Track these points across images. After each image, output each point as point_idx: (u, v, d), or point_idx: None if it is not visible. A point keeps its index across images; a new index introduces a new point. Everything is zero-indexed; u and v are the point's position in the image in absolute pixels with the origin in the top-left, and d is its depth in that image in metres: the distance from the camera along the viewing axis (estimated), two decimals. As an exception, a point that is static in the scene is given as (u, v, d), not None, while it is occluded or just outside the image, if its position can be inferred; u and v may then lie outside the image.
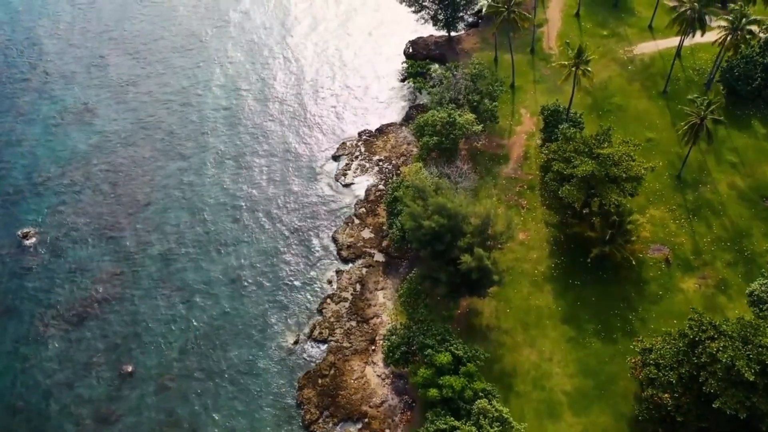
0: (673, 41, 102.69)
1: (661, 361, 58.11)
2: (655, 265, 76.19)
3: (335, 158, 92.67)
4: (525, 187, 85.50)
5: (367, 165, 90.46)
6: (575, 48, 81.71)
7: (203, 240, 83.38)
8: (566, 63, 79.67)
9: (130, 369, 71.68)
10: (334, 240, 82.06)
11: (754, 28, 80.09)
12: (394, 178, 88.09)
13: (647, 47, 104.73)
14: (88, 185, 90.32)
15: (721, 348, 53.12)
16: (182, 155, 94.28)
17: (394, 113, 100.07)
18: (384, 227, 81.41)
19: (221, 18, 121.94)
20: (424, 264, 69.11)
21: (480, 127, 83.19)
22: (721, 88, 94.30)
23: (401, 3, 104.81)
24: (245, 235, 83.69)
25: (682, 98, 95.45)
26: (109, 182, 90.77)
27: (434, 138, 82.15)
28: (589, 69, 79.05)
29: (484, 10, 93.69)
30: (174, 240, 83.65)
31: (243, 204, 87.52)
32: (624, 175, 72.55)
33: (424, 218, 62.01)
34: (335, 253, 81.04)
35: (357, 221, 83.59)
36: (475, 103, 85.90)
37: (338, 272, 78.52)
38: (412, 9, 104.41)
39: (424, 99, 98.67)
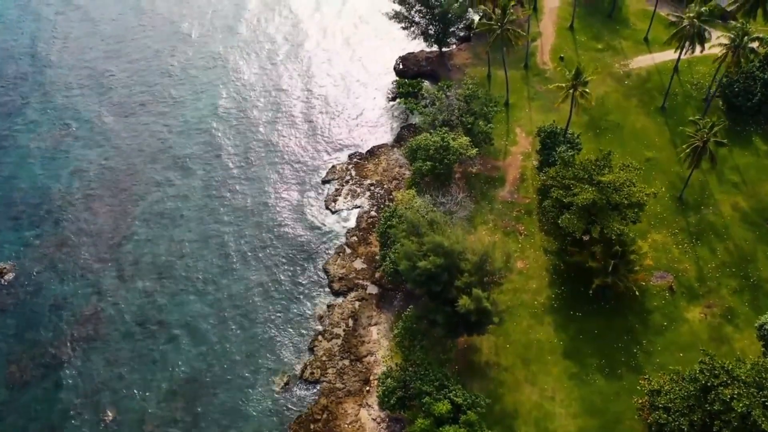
0: (670, 54, 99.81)
1: (671, 405, 55.24)
2: (659, 293, 73.42)
3: (325, 183, 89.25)
4: (522, 211, 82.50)
5: (358, 190, 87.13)
6: (572, 69, 78.73)
7: (186, 274, 79.73)
8: (563, 85, 76.65)
9: (111, 416, 68.02)
10: (325, 271, 78.71)
11: (756, 45, 77.36)
12: (387, 203, 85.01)
13: (643, 61, 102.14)
14: (67, 217, 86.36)
15: (735, 395, 50.32)
16: (164, 183, 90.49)
17: (385, 133, 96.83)
18: (377, 257, 78.15)
19: (204, 42, 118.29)
20: (419, 301, 65.90)
21: (475, 152, 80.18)
22: (720, 103, 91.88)
23: (391, 19, 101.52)
24: (231, 268, 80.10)
25: (680, 114, 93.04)
26: (88, 213, 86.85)
27: (427, 163, 79.04)
28: (587, 90, 76.10)
29: (475, 25, 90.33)
30: (156, 274, 79.94)
31: (228, 235, 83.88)
32: (626, 202, 69.75)
33: (419, 257, 58.83)
34: (326, 285, 77.66)
35: (348, 251, 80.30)
36: (468, 125, 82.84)
37: (330, 306, 75.19)
38: (402, 25, 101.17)
39: (416, 118, 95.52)
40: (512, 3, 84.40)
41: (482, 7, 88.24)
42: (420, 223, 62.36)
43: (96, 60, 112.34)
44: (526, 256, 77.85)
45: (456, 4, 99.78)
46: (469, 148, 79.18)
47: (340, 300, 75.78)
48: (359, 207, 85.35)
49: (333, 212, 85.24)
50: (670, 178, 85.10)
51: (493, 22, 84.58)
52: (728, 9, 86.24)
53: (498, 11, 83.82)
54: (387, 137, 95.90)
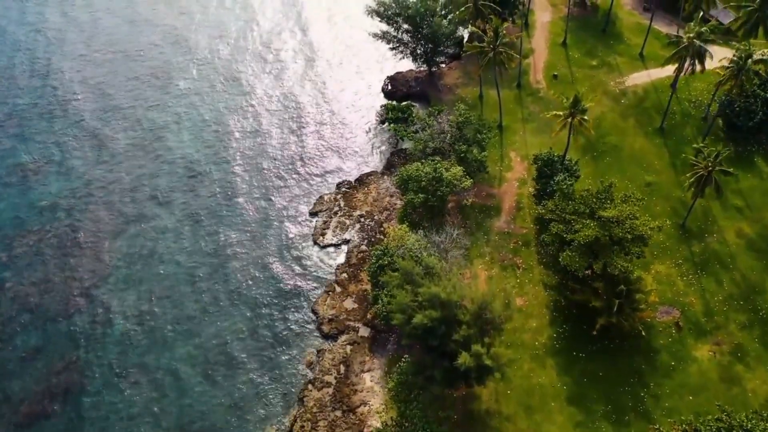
0: (666, 70, 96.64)
1: (686, 465, 51.84)
2: (665, 330, 70.02)
3: (313, 215, 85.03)
4: (519, 243, 78.85)
5: (348, 222, 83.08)
6: (569, 93, 75.16)
7: (166, 317, 75.21)
8: (561, 113, 73.08)
9: (88, 478, 63.58)
10: (314, 312, 74.56)
11: (760, 68, 74.15)
12: (377, 236, 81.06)
13: (639, 78, 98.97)
14: (38, 258, 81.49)
15: (756, 459, 46.94)
16: (143, 218, 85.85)
17: (375, 160, 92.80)
18: (368, 295, 74.16)
19: (185, 63, 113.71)
20: (415, 347, 61.96)
21: (469, 183, 76.42)
22: (720, 122, 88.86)
23: (377, 39, 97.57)
24: (214, 309, 75.71)
25: (679, 134, 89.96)
26: (61, 252, 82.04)
27: (420, 195, 75.26)
28: (586, 118, 72.57)
29: (465, 47, 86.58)
30: (134, 319, 75.37)
31: (210, 273, 79.41)
32: (629, 236, 66.31)
33: (414, 309, 54.93)
34: (315, 327, 73.51)
35: (338, 289, 76.23)
36: (462, 154, 79.02)
37: (320, 351, 71.06)
38: (390, 46, 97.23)
39: (406, 143, 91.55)
40: (505, 25, 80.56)
41: (473, 28, 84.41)
42: (414, 270, 58.41)
43: (70, 87, 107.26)
44: (525, 292, 74.19)
45: (445, 22, 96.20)
46: (463, 179, 75.41)
47: (330, 344, 71.63)
48: (349, 241, 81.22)
49: (321, 247, 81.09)
50: (672, 203, 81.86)
51: (485, 44, 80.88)
52: (729, 26, 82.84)
53: (490, 33, 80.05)
54: (376, 164, 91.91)
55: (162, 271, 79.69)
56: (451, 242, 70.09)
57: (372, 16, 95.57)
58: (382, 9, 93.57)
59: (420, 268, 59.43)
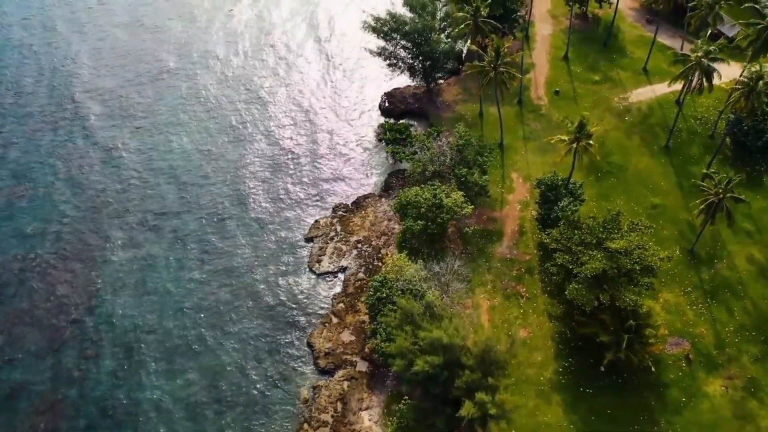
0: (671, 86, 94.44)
1: None
2: (675, 364, 67.35)
3: (308, 240, 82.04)
4: (523, 270, 76.05)
5: (344, 248, 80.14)
6: (572, 116, 72.33)
7: (155, 352, 72.15)
8: (565, 139, 70.28)
9: None
10: (310, 345, 71.61)
11: (772, 89, 71.48)
12: (375, 262, 78.19)
13: (644, 93, 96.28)
14: (23, 287, 78.36)
15: None
16: (131, 244, 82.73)
17: (372, 181, 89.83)
18: (366, 327, 71.28)
19: (177, 86, 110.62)
20: (415, 392, 59.08)
21: (470, 209, 73.54)
22: (728, 140, 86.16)
23: (374, 56, 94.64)
24: (204, 343, 72.65)
25: (685, 153, 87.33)
26: (47, 282, 78.90)
27: (419, 222, 72.38)
28: (591, 143, 69.79)
29: (465, 67, 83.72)
30: (123, 352, 72.36)
31: (201, 304, 76.24)
32: (638, 267, 63.61)
33: (414, 353, 52.10)
34: (312, 362, 70.57)
35: (335, 320, 73.31)
36: (462, 178, 76.17)
37: (315, 388, 68.11)
38: (387, 62, 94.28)
39: (404, 163, 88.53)
40: (507, 44, 77.73)
41: (473, 48, 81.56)
42: (414, 309, 55.58)
43: (56, 107, 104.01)
44: (529, 323, 71.41)
45: (443, 36, 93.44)
46: (464, 206, 72.56)
47: (326, 380, 68.71)
48: (346, 268, 78.31)
49: (317, 275, 78.10)
50: (680, 227, 79.19)
51: (485, 64, 78.04)
52: (738, 44, 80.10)
53: (491, 52, 77.22)
54: (374, 186, 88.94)
55: (151, 302, 76.67)
56: (452, 274, 67.18)
57: (368, 32, 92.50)
58: (378, 25, 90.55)
59: (420, 306, 56.57)
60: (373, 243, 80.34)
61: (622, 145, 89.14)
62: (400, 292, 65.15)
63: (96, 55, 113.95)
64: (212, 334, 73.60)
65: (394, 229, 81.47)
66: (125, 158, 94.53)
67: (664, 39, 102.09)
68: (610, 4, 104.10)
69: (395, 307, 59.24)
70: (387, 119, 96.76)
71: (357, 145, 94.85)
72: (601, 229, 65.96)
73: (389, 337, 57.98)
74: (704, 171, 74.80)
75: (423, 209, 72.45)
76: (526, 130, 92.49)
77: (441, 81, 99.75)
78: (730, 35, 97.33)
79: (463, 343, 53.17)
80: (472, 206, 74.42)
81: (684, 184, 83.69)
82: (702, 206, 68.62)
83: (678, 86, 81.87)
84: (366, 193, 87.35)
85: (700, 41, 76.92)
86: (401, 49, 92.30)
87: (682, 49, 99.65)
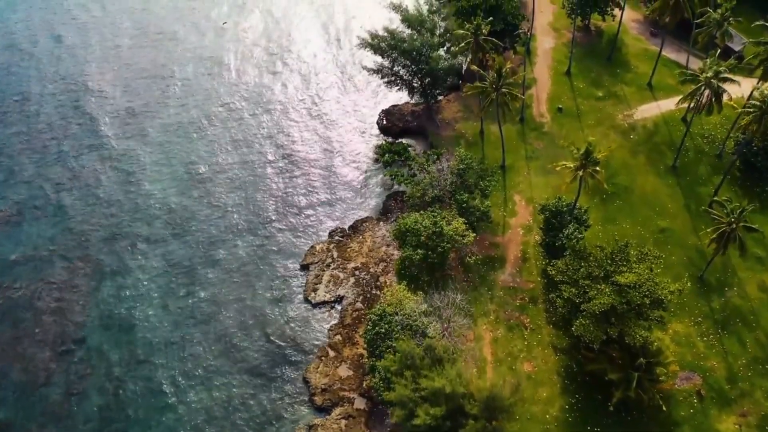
0: (676, 101, 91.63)
1: None
2: (686, 400, 64.67)
3: (304, 268, 79.16)
4: (526, 299, 73.33)
5: (341, 276, 77.31)
6: (580, 146, 69.34)
7: (145, 388, 69.15)
8: (571, 165, 67.53)
9: None
10: (306, 381, 68.74)
11: (784, 112, 68.80)
12: (374, 291, 75.41)
13: (649, 110, 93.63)
14: (6, 319, 75.37)
15: None
16: (120, 271, 79.80)
17: (369, 204, 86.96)
18: (364, 361, 68.51)
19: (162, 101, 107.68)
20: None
21: (472, 237, 70.78)
22: (736, 160, 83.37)
23: (371, 74, 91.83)
24: (194, 380, 69.62)
25: (693, 173, 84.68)
26: (32, 313, 75.89)
27: (419, 251, 69.59)
28: (598, 169, 67.06)
29: (466, 84, 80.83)
30: (111, 388, 69.45)
31: (191, 337, 73.14)
32: (648, 301, 60.86)
33: (416, 401, 49.34)
34: (307, 399, 67.71)
35: (332, 353, 70.50)
36: (463, 204, 73.38)
37: (311, 427, 65.18)
38: (385, 80, 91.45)
39: (403, 186, 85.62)
40: (509, 64, 75.00)
41: (474, 67, 78.77)
42: (414, 352, 52.79)
43: (35, 126, 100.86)
44: (534, 356, 68.67)
45: (442, 52, 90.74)
46: (466, 235, 69.78)
47: (323, 418, 65.82)
48: (343, 297, 75.47)
49: (313, 305, 75.22)
50: (688, 252, 76.52)
51: (486, 85, 75.27)
52: (749, 63, 77.33)
53: (492, 73, 74.46)
54: (371, 209, 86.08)
55: (140, 333, 73.76)
56: (453, 307, 64.42)
57: (366, 50, 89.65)
58: (376, 42, 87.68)
59: (420, 349, 53.79)
60: (371, 270, 77.55)
61: (627, 164, 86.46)
62: (399, 327, 62.37)
63: (82, 76, 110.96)
64: (203, 368, 70.69)
65: (392, 255, 78.69)
66: (113, 181, 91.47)
67: (669, 53, 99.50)
68: (614, 17, 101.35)
69: (394, 350, 56.36)
70: (385, 138, 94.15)
71: (354, 166, 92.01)
72: (608, 261, 63.22)
73: (388, 382, 55.18)
74: (715, 198, 71.92)
75: (423, 237, 69.69)
76: (529, 149, 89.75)
77: (440, 97, 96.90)
78: (737, 49, 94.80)
79: (467, 390, 50.38)
80: (474, 234, 71.60)
81: (692, 206, 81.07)
82: (714, 235, 65.87)
83: (685, 104, 79.27)
84: (364, 216, 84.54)
85: (709, 60, 74.20)
86: (400, 67, 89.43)
87: (687, 63, 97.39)
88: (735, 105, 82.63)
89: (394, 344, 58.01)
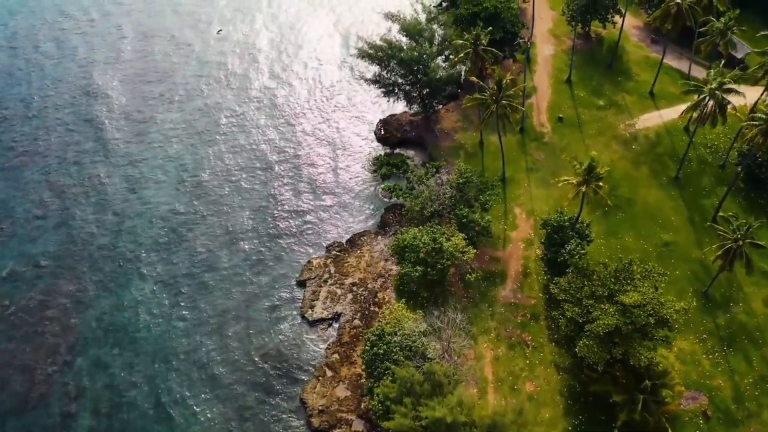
0: (678, 110, 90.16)
1: None
2: (692, 421, 63.25)
3: (300, 284, 77.56)
4: (528, 316, 71.85)
5: (339, 292, 75.77)
6: (583, 162, 67.42)
7: (138, 411, 67.58)
8: (573, 181, 66.04)
9: None
10: (303, 402, 67.18)
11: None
12: (372, 308, 73.88)
13: (651, 119, 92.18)
14: (0, 335, 73.78)
15: None
16: (113, 288, 78.14)
17: (367, 217, 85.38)
18: (362, 381, 66.98)
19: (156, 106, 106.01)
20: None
21: (473, 254, 69.27)
22: (741, 173, 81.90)
23: (369, 84, 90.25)
24: (190, 399, 68.08)
25: (696, 185, 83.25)
26: (22, 331, 74.25)
27: (418, 269, 68.11)
28: (601, 184, 65.58)
29: (464, 100, 79.32)
30: (104, 410, 67.88)
31: (184, 358, 71.34)
32: (652, 320, 59.40)
33: (416, 431, 47.82)
34: (304, 420, 66.16)
35: (329, 373, 68.95)
36: (463, 219, 71.85)
37: (309, 451, 63.81)
38: (382, 90, 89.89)
39: (401, 199, 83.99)
40: (509, 76, 73.51)
41: (473, 79, 77.24)
42: (414, 378, 51.26)
43: (28, 137, 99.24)
44: (536, 376, 67.17)
45: (440, 60, 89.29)
46: (466, 251, 68.28)
47: (321, 441, 64.35)
48: (340, 314, 73.92)
49: (310, 323, 73.65)
50: (692, 266, 75.06)
51: (486, 97, 73.75)
52: (754, 73, 75.85)
53: (493, 85, 72.95)
54: (369, 222, 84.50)
55: (133, 352, 72.19)
56: (454, 328, 62.90)
57: (364, 59, 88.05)
58: (373, 51, 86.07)
59: (419, 375, 52.27)
60: (369, 286, 75.99)
61: (629, 176, 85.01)
62: (398, 348, 60.84)
63: (75, 85, 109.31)
64: (197, 388, 69.16)
65: (391, 270, 77.16)
66: (108, 194, 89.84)
67: (670, 60, 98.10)
68: (614, 24, 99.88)
69: (393, 376, 54.82)
70: (383, 148, 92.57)
71: (351, 178, 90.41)
72: (612, 280, 61.74)
73: (387, 408, 53.64)
74: (720, 214, 70.46)
75: (422, 254, 68.19)
76: (529, 160, 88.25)
77: (439, 106, 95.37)
78: (739, 57, 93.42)
79: (468, 419, 48.88)
80: (475, 250, 70.08)
81: (695, 218, 79.67)
82: (719, 252, 64.43)
83: (688, 114, 77.81)
84: (361, 230, 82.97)
85: (713, 71, 72.78)
86: (398, 77, 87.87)
87: (690, 71, 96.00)
88: (738, 114, 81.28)
89: (392, 366, 56.44)
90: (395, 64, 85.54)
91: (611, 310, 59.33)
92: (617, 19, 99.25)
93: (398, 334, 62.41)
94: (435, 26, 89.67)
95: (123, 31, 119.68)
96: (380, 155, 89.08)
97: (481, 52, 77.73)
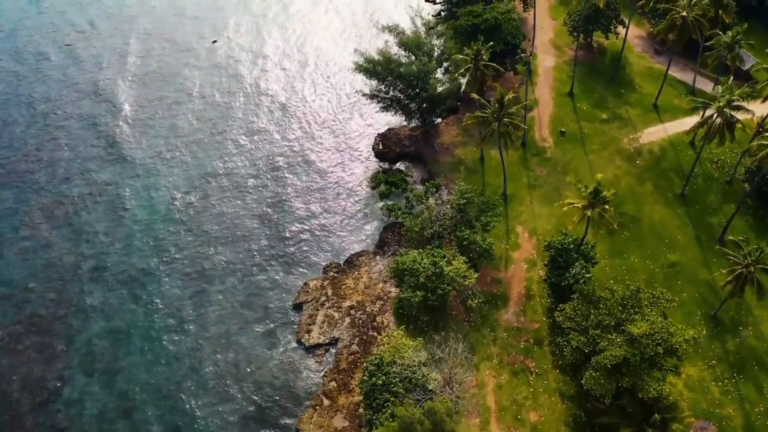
0: (684, 123, 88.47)
1: None
2: (702, 452, 61.18)
3: (296, 307, 75.25)
4: (531, 341, 69.64)
5: (336, 315, 73.48)
6: (588, 181, 65.70)
7: (129, 444, 65.41)
8: (578, 204, 63.86)
9: None
10: (299, 432, 64.98)
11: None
12: (370, 332, 71.64)
13: (655, 133, 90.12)
14: (-18, 368, 71.47)
15: None
16: (102, 312, 75.54)
17: (365, 236, 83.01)
18: (360, 411, 64.68)
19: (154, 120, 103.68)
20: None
21: (474, 278, 67.06)
22: (746, 187, 79.95)
23: (367, 99, 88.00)
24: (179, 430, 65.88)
25: (702, 202, 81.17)
26: (8, 360, 71.65)
27: (418, 294, 65.93)
28: (608, 207, 63.41)
29: (465, 118, 77.10)
30: (93, 441, 65.57)
31: (179, 385, 68.81)
32: (661, 350, 57.30)
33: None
34: (301, 454, 63.94)
35: (326, 402, 66.64)
36: (464, 241, 69.63)
37: (306, 485, 61.54)
38: (381, 105, 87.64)
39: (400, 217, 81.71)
40: (512, 94, 71.36)
41: (474, 96, 75.02)
42: (415, 417, 49.05)
43: (18, 152, 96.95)
44: (540, 404, 64.94)
45: (440, 73, 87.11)
46: (467, 276, 66.06)
47: (318, 476, 62.09)
48: (338, 339, 71.61)
49: (307, 348, 71.34)
50: (699, 288, 72.95)
51: (488, 114, 71.56)
52: (761, 90, 73.69)
53: (494, 102, 70.76)
54: (367, 242, 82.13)
55: (124, 381, 69.67)
56: (455, 358, 60.67)
57: (362, 74, 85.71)
58: (371, 66, 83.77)
59: (420, 412, 50.06)
60: (368, 309, 73.72)
61: (634, 192, 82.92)
62: (398, 379, 58.66)
63: (61, 104, 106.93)
64: (189, 417, 66.69)
65: (390, 292, 74.90)
66: (98, 213, 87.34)
67: (674, 71, 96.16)
68: (617, 35, 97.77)
69: (393, 416, 52.61)
70: (381, 164, 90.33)
71: (349, 195, 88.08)
72: (619, 308, 59.59)
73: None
74: (730, 237, 68.33)
75: (422, 278, 65.98)
76: (531, 176, 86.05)
77: (439, 119, 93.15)
78: (745, 68, 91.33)
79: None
80: (477, 274, 67.86)
81: (702, 237, 77.62)
82: (730, 278, 62.31)
83: (690, 122, 75.79)
84: (359, 250, 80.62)
85: (721, 88, 70.70)
86: (396, 91, 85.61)
87: (694, 83, 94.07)
88: (746, 128, 79.18)
89: (392, 402, 54.24)
90: (394, 78, 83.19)
91: (618, 340, 57.21)
92: (620, 29, 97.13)
93: (398, 364, 60.21)
94: (434, 39, 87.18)
95: (127, 41, 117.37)
96: (378, 172, 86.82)
97: (482, 67, 75.54)
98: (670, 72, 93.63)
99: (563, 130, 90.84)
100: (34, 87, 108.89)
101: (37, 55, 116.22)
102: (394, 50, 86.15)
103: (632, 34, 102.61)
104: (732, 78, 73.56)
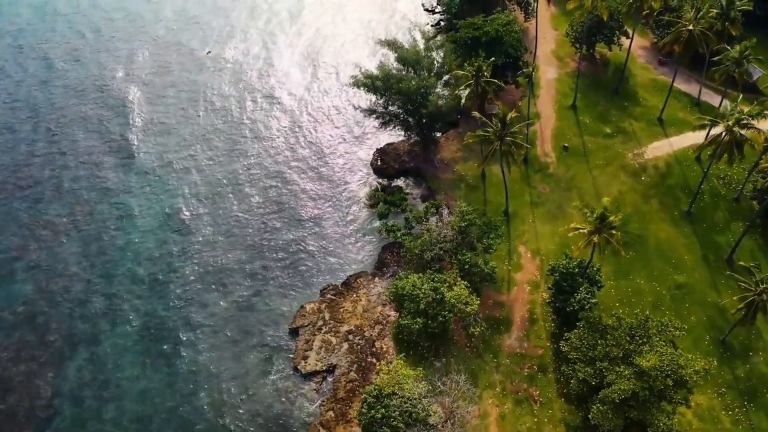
0: (689, 138, 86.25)
1: None
2: (713, 487, 59.13)
3: (293, 332, 73.01)
4: (535, 368, 67.45)
5: (334, 341, 71.26)
6: (594, 208, 63.17)
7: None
8: (584, 230, 61.72)
9: None
10: (295, 466, 62.84)
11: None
12: (369, 359, 69.45)
13: (660, 148, 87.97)
14: (-30, 396, 69.23)
15: None
16: (94, 337, 73.29)
17: (363, 256, 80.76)
18: (359, 441, 62.60)
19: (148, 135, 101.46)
20: None
21: (476, 305, 64.83)
22: (755, 204, 77.84)
23: (366, 115, 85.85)
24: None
25: (709, 220, 79.09)
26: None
27: (418, 321, 63.76)
28: (614, 232, 61.27)
29: (467, 137, 74.95)
30: (83, 476, 63.34)
31: (169, 417, 66.13)
32: (671, 383, 55.25)
33: None
34: (297, 489, 61.82)
35: (324, 432, 64.47)
36: (466, 265, 67.46)
37: None
38: (379, 121, 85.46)
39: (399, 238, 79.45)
40: (514, 114, 69.21)
41: (476, 114, 72.83)
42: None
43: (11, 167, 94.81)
44: (545, 436, 62.86)
45: (440, 88, 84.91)
46: (469, 303, 63.87)
47: None
48: (335, 366, 69.39)
49: (303, 375, 69.11)
50: (708, 311, 70.83)
51: (490, 133, 69.38)
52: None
53: (496, 121, 68.62)
54: (366, 262, 79.88)
55: (113, 413, 67.19)
56: (457, 390, 58.51)
57: (361, 89, 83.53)
58: (369, 81, 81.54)
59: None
60: (366, 334, 71.52)
61: (639, 210, 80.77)
62: (397, 412, 56.49)
63: (50, 117, 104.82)
64: (184, 450, 64.59)
65: (389, 316, 72.72)
66: (89, 232, 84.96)
67: (679, 83, 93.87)
68: (620, 46, 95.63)
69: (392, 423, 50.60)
70: (380, 180, 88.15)
71: (347, 213, 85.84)
72: (627, 339, 57.48)
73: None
74: (741, 263, 66.28)
75: (422, 305, 63.81)
76: (533, 193, 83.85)
77: (439, 134, 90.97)
78: (752, 81, 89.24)
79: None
80: (479, 300, 65.68)
81: (710, 257, 75.47)
82: (740, 305, 60.21)
83: (695, 136, 73.66)
84: (357, 270, 78.39)
85: (730, 106, 68.61)
86: (395, 107, 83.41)
87: (699, 96, 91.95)
88: (754, 144, 77.13)
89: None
90: (393, 94, 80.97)
91: (627, 372, 55.12)
92: (623, 41, 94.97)
93: (398, 396, 58.01)
94: (433, 53, 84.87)
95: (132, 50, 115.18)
96: (377, 190, 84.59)
97: (483, 83, 73.40)
98: (674, 84, 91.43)
99: (566, 144, 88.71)
100: (36, 93, 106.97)
101: (40, 61, 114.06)
102: (394, 65, 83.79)
103: (635, 45, 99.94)
104: (740, 91, 71.21)
